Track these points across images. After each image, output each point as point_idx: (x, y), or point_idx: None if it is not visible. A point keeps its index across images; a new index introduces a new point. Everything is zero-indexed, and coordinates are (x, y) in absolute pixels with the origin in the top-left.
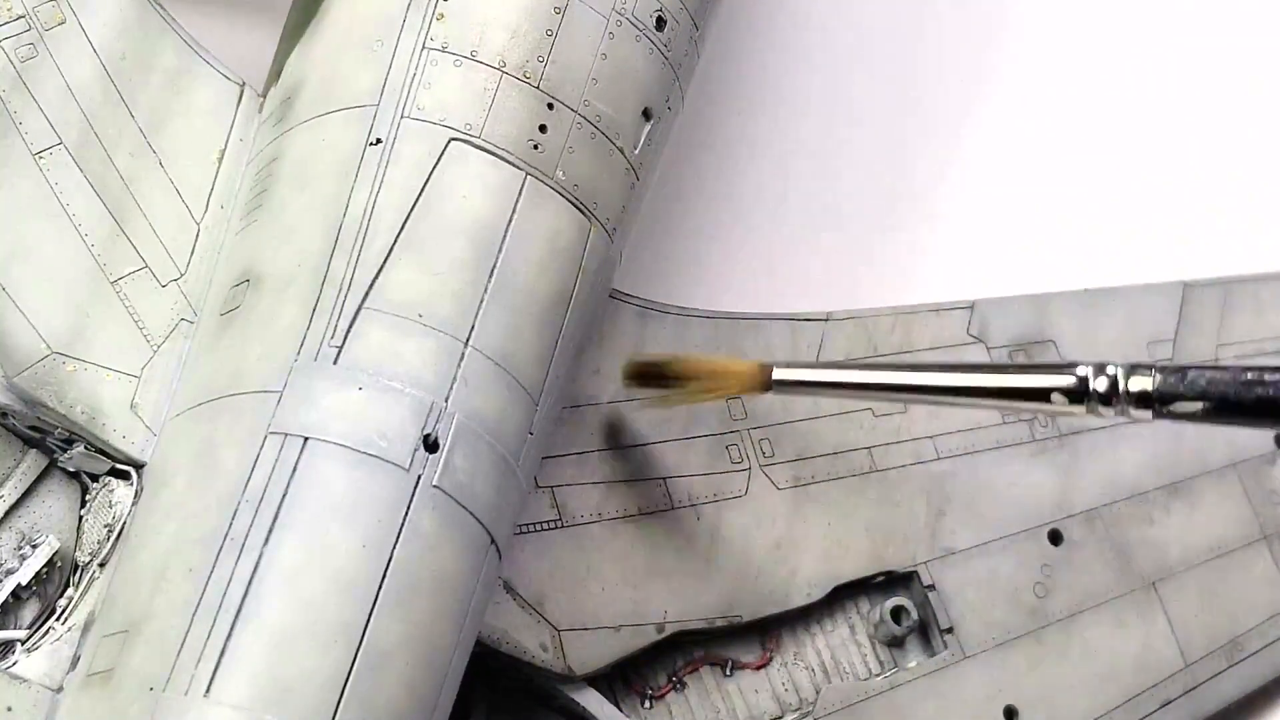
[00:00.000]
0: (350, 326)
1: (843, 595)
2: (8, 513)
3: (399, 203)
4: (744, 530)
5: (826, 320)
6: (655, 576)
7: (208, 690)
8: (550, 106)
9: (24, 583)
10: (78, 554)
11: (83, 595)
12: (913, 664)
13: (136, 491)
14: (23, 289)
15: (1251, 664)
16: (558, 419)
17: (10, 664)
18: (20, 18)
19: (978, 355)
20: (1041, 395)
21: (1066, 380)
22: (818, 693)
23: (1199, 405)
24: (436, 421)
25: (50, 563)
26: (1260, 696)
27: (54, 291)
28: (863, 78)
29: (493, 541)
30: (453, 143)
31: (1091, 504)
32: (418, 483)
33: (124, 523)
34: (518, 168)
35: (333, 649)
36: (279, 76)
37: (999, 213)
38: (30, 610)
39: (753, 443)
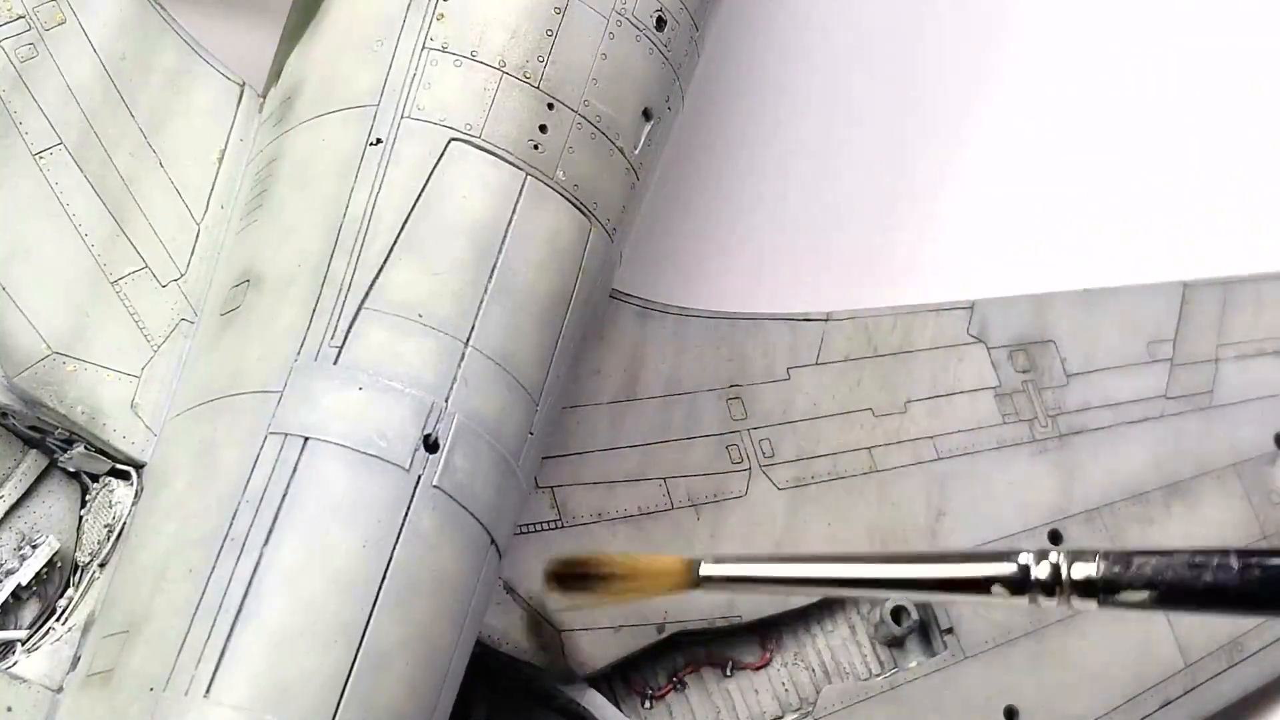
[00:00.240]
0: (350, 326)
1: None
2: (8, 513)
3: (399, 203)
4: (744, 530)
5: (826, 320)
6: None
7: (208, 691)
8: (550, 106)
9: (24, 583)
10: (78, 554)
11: (83, 595)
12: (913, 664)
13: (136, 492)
14: (23, 289)
15: (1251, 664)
16: (558, 419)
17: (10, 664)
18: (20, 18)
19: (978, 355)
20: (982, 586)
21: (1007, 569)
22: (818, 693)
23: (1145, 594)
24: (437, 422)
25: (50, 563)
26: (1260, 696)
27: (54, 291)
28: (863, 78)
29: (493, 541)
30: (453, 143)
31: (1091, 504)
32: (418, 483)
33: (124, 523)
34: (518, 168)
35: (333, 649)
36: (279, 77)
37: (999, 213)
38: (30, 610)
39: (753, 443)
